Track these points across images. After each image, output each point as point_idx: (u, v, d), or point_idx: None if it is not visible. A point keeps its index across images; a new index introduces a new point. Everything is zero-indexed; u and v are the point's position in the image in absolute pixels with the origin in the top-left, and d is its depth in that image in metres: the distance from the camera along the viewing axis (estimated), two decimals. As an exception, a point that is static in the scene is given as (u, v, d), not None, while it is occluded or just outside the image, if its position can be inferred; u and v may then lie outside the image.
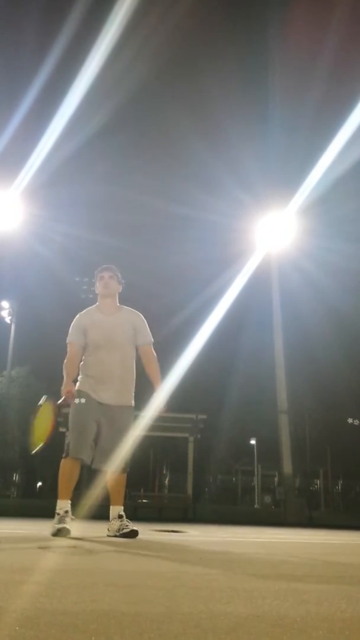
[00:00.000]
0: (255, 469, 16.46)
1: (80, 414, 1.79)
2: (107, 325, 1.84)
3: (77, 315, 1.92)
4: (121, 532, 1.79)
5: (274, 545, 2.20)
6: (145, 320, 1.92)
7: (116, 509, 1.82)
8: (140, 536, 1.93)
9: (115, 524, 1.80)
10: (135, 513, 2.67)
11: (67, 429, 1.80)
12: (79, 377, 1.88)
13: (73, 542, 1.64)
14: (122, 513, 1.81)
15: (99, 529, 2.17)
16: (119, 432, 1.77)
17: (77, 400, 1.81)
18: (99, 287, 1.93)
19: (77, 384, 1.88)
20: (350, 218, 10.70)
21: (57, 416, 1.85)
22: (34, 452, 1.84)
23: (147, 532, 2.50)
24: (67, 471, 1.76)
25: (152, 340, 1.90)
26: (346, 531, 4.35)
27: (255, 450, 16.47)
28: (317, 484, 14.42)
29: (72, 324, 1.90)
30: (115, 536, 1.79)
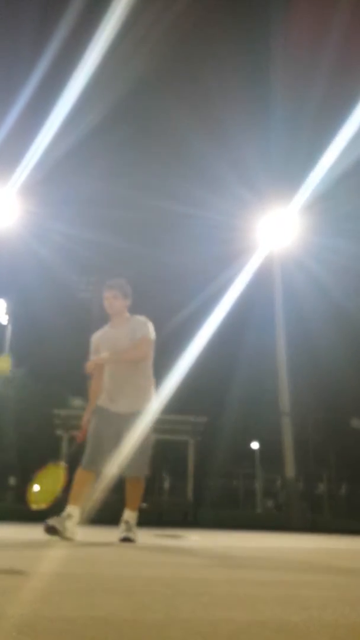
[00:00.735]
0: (257, 473, 16.26)
1: (97, 428, 1.89)
2: (112, 338, 1.95)
3: (93, 336, 2.03)
4: (120, 537, 1.88)
5: (276, 551, 2.17)
6: (147, 323, 1.95)
7: (128, 514, 1.89)
8: (139, 541, 1.92)
9: (120, 528, 1.88)
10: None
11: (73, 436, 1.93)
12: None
13: (71, 547, 1.63)
14: (130, 519, 1.87)
15: (99, 534, 2.14)
16: (137, 440, 1.85)
17: (94, 416, 1.92)
18: (106, 306, 2.01)
19: (98, 400, 1.98)
20: (353, 216, 10.64)
21: (65, 484, 1.85)
22: (33, 508, 1.85)
23: (147, 537, 2.48)
24: (80, 480, 1.83)
25: (148, 336, 1.90)
26: (350, 536, 4.29)
27: (257, 454, 16.32)
28: (320, 488, 14.23)
29: (91, 343, 2.02)
30: (120, 539, 1.87)
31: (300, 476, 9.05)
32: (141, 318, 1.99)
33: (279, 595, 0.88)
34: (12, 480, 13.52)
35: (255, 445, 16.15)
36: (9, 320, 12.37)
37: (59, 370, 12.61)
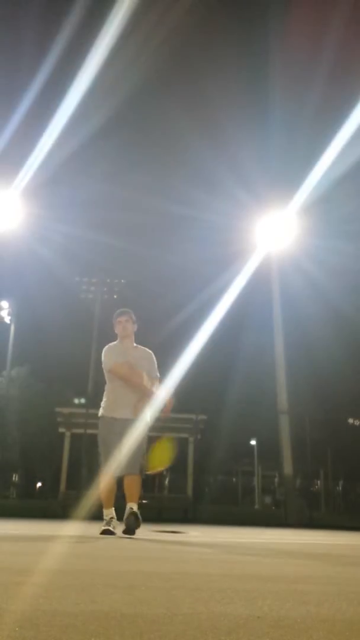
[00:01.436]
0: (256, 470, 16.41)
1: (106, 436, 2.19)
2: (130, 356, 2.28)
3: (107, 346, 2.35)
4: (127, 524, 2.10)
5: (274, 546, 2.19)
6: (155, 359, 2.37)
7: (131, 505, 2.10)
8: (139, 537, 1.99)
9: (130, 519, 2.09)
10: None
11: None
12: (102, 402, 2.30)
13: (71, 543, 1.64)
14: (135, 509, 2.08)
15: (99, 529, 2.16)
16: (135, 441, 2.15)
17: (101, 427, 2.23)
18: (118, 330, 2.34)
19: (100, 409, 2.29)
20: (350, 218, 10.68)
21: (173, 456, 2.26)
22: (149, 472, 2.18)
23: (147, 533, 2.50)
24: (106, 486, 2.15)
25: (159, 376, 2.37)
26: (347, 532, 4.36)
27: (255, 451, 16.44)
28: (317, 485, 14.36)
29: (105, 352, 2.32)
30: (123, 531, 2.09)
31: (297, 473, 9.15)
32: (151, 353, 2.36)
33: (277, 590, 0.89)
34: (15, 477, 13.56)
35: (253, 443, 16.27)
36: (12, 321, 12.35)
37: (61, 370, 12.65)
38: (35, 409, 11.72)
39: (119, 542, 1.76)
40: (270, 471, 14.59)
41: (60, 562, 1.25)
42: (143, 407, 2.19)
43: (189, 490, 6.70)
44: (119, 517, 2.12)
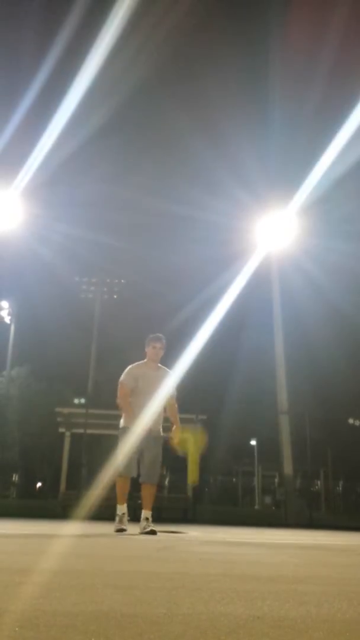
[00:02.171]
0: (256, 470, 16.40)
1: (127, 443, 2.49)
2: (152, 378, 2.62)
3: (130, 366, 2.66)
4: (144, 531, 2.40)
5: (274, 547, 2.20)
6: (174, 378, 2.71)
7: (146, 513, 2.47)
8: (140, 537, 2.04)
9: (142, 524, 2.45)
10: (134, 514, 2.71)
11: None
12: (124, 415, 2.59)
13: (72, 542, 1.64)
14: (149, 516, 2.46)
15: (99, 529, 2.16)
16: (155, 456, 2.52)
17: (124, 435, 2.53)
18: (150, 353, 2.64)
19: (123, 420, 2.58)
20: (350, 217, 10.68)
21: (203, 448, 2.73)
22: (193, 483, 2.35)
23: (144, 534, 2.49)
24: (122, 485, 2.48)
25: (176, 394, 2.70)
26: (347, 532, 4.35)
27: (255, 451, 16.43)
28: (317, 485, 14.36)
29: (126, 371, 2.65)
30: (141, 533, 2.38)
31: (297, 473, 9.15)
32: (171, 373, 2.70)
33: (277, 590, 0.89)
34: (15, 477, 13.57)
35: (253, 443, 16.27)
36: (12, 321, 12.33)
37: (61, 370, 12.66)
38: (35, 409, 11.72)
39: (119, 542, 1.76)
40: (271, 471, 14.59)
41: (60, 562, 1.25)
42: (160, 423, 2.58)
43: (189, 491, 6.70)
44: (105, 518, 2.44)
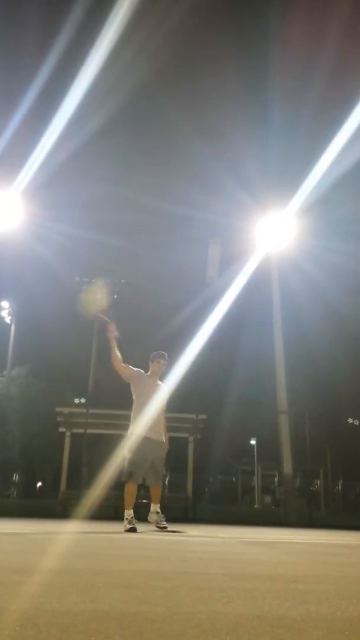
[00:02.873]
0: (256, 469, 16.44)
1: (139, 451, 2.74)
2: (156, 388, 2.91)
3: (138, 369, 2.94)
4: (158, 525, 2.74)
5: (274, 546, 2.20)
6: (167, 392, 3.00)
7: (155, 507, 2.80)
8: (140, 536, 2.04)
9: (153, 517, 2.78)
10: (135, 513, 2.72)
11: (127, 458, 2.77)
12: (134, 422, 2.84)
13: (72, 542, 1.64)
14: (159, 510, 2.78)
15: (100, 528, 2.17)
16: (161, 462, 2.85)
17: (136, 440, 2.78)
18: (155, 367, 2.94)
19: (133, 427, 2.82)
20: (350, 218, 10.67)
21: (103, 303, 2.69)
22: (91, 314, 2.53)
23: (147, 532, 2.53)
24: (131, 492, 2.71)
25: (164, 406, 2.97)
26: (346, 531, 4.35)
27: (255, 450, 16.46)
28: (317, 484, 14.41)
29: (135, 368, 2.92)
30: (157, 526, 2.73)
31: (297, 473, 9.17)
32: (167, 387, 2.99)
33: (277, 589, 0.89)
34: (16, 477, 13.58)
35: (253, 442, 16.30)
36: (12, 321, 12.30)
37: (61, 370, 12.64)
38: (35, 409, 11.72)
39: (119, 542, 1.76)
40: (270, 470, 14.62)
41: (60, 562, 1.26)
42: (164, 431, 2.87)
43: (189, 490, 6.71)
44: (116, 517, 2.61)
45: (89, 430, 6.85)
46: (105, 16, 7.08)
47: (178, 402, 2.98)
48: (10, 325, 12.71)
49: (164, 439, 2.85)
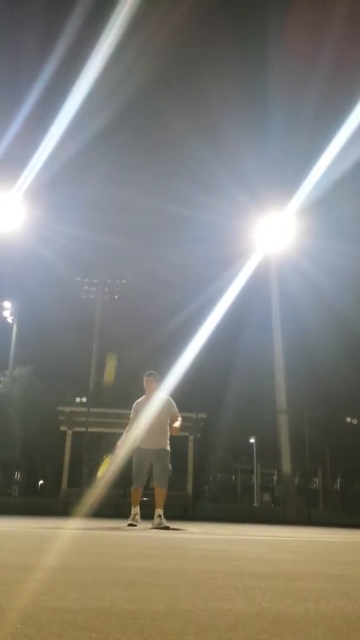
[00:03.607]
0: (255, 468, 16.50)
1: (138, 459, 3.10)
2: (147, 404, 3.22)
3: (135, 402, 3.30)
4: (159, 526, 2.89)
5: (273, 543, 2.22)
6: (172, 400, 3.25)
7: (158, 511, 2.97)
8: (141, 534, 2.06)
9: (156, 520, 2.94)
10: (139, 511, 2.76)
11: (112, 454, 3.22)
12: (125, 434, 3.22)
13: (73, 540, 1.65)
14: (161, 514, 2.96)
15: (100, 527, 2.18)
16: (163, 466, 3.09)
17: (135, 450, 3.11)
18: (145, 386, 3.25)
19: (122, 438, 3.18)
20: (349, 219, 10.64)
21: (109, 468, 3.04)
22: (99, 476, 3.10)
23: (148, 530, 2.58)
24: (135, 494, 3.09)
25: (177, 411, 3.25)
26: (345, 529, 4.37)
27: (254, 449, 16.51)
28: (315, 483, 14.47)
29: (132, 411, 3.30)
30: (155, 528, 2.86)
31: (296, 471, 9.20)
32: (167, 397, 3.24)
33: (277, 587, 0.90)
34: (17, 475, 13.62)
35: (252, 441, 16.35)
36: (14, 321, 12.27)
37: (63, 369, 12.65)
38: (37, 408, 11.74)
39: (120, 540, 1.78)
40: (269, 469, 14.68)
41: (61, 559, 1.26)
42: (166, 439, 3.11)
43: (189, 488, 6.74)
44: (116, 515, 2.84)
45: (90, 429, 6.86)
46: (106, 19, 7.06)
47: (178, 401, 3.08)
48: (12, 325, 12.69)
49: (159, 446, 3.08)
